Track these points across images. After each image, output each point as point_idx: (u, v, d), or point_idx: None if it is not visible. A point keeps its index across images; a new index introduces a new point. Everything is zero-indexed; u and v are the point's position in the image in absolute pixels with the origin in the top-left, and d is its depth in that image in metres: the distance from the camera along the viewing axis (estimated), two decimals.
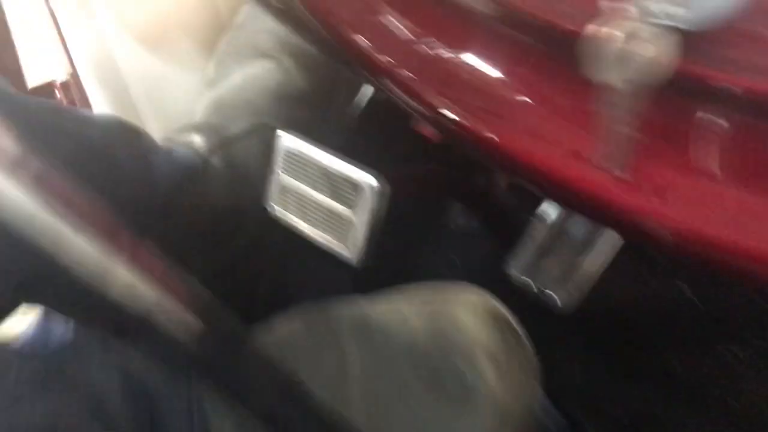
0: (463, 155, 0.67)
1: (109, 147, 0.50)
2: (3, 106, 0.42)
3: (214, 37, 0.73)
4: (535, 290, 0.59)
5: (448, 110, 0.32)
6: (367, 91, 0.68)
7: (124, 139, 0.52)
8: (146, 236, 0.48)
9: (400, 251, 0.56)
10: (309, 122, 0.64)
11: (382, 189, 0.50)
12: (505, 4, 0.28)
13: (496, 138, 0.31)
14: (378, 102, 0.69)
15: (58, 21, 0.68)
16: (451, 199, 0.68)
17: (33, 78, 0.78)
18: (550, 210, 0.56)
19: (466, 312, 0.42)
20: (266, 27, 0.66)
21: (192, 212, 0.57)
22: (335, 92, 0.67)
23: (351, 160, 0.51)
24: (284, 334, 0.44)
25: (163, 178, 0.53)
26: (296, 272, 0.56)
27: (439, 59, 0.32)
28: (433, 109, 0.32)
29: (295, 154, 0.54)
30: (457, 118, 0.31)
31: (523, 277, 0.60)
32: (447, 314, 0.42)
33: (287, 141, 0.54)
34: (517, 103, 0.30)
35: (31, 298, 0.33)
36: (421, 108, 0.33)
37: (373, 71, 0.34)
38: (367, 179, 0.50)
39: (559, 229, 0.56)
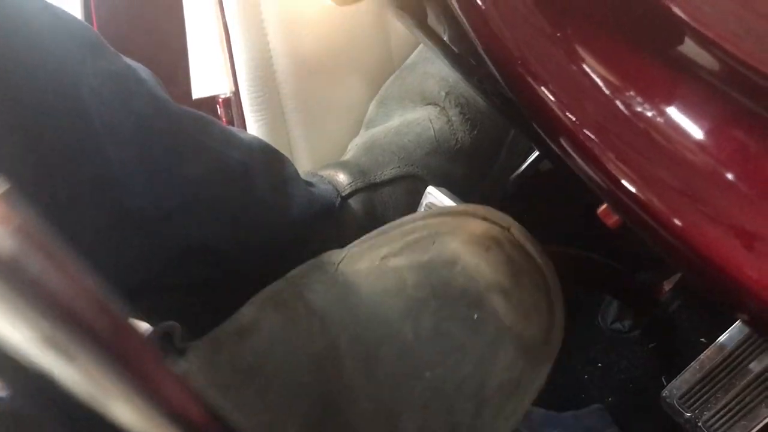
0: (633, 248, 0.61)
1: (247, 170, 0.49)
2: (149, 109, 0.43)
3: (381, 77, 0.72)
4: (689, 424, 0.52)
5: (628, 182, 0.27)
6: (532, 156, 0.64)
7: (266, 164, 0.51)
8: (268, 269, 0.45)
9: None
10: (463, 180, 0.60)
11: None
12: (734, 58, 0.23)
13: (682, 226, 0.25)
14: (542, 170, 0.65)
15: (231, 38, 0.70)
16: (607, 295, 0.62)
17: (198, 90, 0.82)
18: (733, 337, 0.48)
19: (462, 247, 0.40)
20: (436, 72, 0.64)
21: (320, 252, 0.55)
22: (497, 152, 0.63)
23: None
24: (264, 336, 0.40)
25: (298, 212, 0.52)
26: None
27: (632, 120, 0.27)
28: (612, 179, 0.27)
29: None
30: (635, 191, 0.27)
31: (678, 406, 0.52)
32: (441, 260, 0.40)
33: (433, 196, 0.51)
34: (723, 184, 0.24)
35: None
36: (597, 177, 0.29)
37: (552, 129, 0.30)
38: None
39: (739, 363, 0.48)
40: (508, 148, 0.63)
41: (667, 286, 0.62)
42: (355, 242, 0.45)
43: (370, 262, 0.42)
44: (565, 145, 0.29)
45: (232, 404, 0.37)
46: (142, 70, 0.46)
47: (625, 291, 0.62)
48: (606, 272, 0.60)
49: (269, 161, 0.52)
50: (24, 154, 0.36)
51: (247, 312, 0.42)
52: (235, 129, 0.53)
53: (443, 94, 0.62)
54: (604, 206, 0.34)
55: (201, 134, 0.47)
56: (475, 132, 0.61)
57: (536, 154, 0.63)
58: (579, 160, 0.29)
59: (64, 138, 0.38)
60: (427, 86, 0.64)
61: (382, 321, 0.39)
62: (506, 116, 0.57)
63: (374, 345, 0.39)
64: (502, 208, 0.50)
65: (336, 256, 0.44)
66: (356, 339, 0.39)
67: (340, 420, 0.38)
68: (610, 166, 0.28)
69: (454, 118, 0.61)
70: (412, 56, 0.69)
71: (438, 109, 0.62)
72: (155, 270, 0.45)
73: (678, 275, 0.62)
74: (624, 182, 0.27)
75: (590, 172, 0.29)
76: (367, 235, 0.46)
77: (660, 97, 0.26)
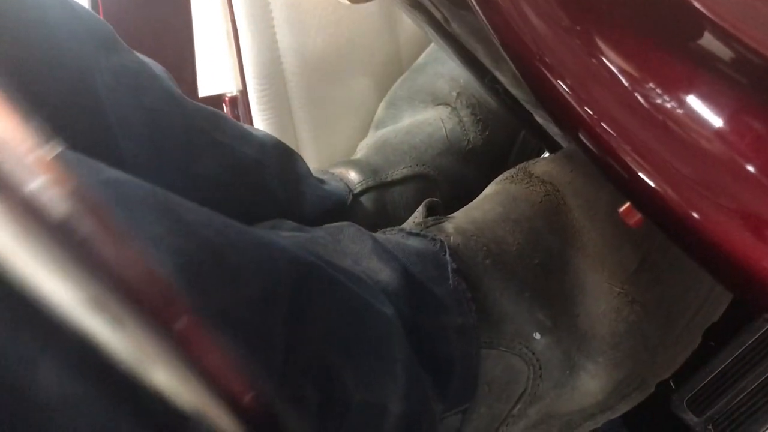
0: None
1: (260, 167, 0.50)
2: (162, 104, 0.43)
3: (390, 78, 0.73)
4: (698, 427, 0.52)
5: (645, 175, 0.27)
6: (542, 156, 0.64)
7: (277, 161, 0.52)
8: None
9: None
10: (474, 180, 0.61)
11: None
12: (752, 50, 0.23)
13: (700, 218, 0.26)
14: None
15: (239, 36, 0.71)
16: None
17: (205, 88, 0.83)
18: (743, 340, 0.49)
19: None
20: (446, 72, 0.65)
21: None
22: (508, 153, 0.64)
23: None
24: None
25: (309, 209, 0.53)
26: None
27: (651, 113, 0.27)
28: (630, 172, 0.28)
29: None
30: (653, 184, 0.27)
31: (688, 408, 0.53)
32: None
33: None
34: (742, 175, 0.25)
35: None
36: (615, 171, 0.29)
37: (569, 123, 0.30)
38: None
39: (749, 365, 0.49)
40: (519, 149, 0.64)
41: None
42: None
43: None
44: (583, 139, 0.30)
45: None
46: (155, 66, 0.47)
47: None
48: None
49: (281, 158, 0.52)
50: None
51: (487, 190, 0.51)
52: (247, 126, 0.53)
53: (454, 94, 0.63)
54: (625, 206, 0.34)
55: (214, 130, 0.48)
56: (487, 133, 0.62)
57: (547, 155, 0.64)
58: (597, 154, 0.30)
59: (78, 133, 0.39)
60: (437, 87, 0.65)
61: (599, 178, 0.45)
62: (517, 117, 0.58)
63: (593, 192, 0.45)
64: None
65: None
66: (576, 191, 0.46)
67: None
68: (628, 159, 0.28)
69: (465, 119, 0.62)
70: (422, 57, 0.70)
71: (449, 109, 0.63)
72: None
73: None
74: (642, 175, 0.28)
75: (609, 166, 0.30)
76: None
77: (679, 89, 0.26)
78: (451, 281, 0.42)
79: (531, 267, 0.43)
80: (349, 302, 0.35)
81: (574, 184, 0.46)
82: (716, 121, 0.25)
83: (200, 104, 0.49)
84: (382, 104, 0.70)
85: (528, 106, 0.50)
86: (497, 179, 0.51)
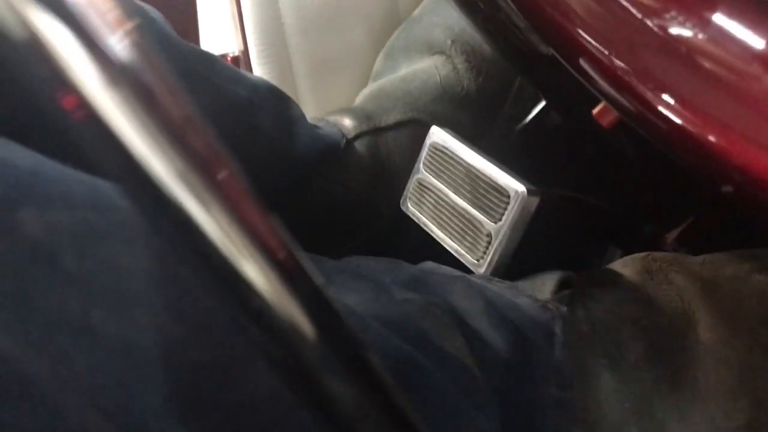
0: (638, 200, 0.63)
1: (253, 107, 0.51)
2: (156, 45, 0.45)
3: (388, 31, 0.74)
4: None
5: (667, 109, 0.27)
6: (537, 106, 0.65)
7: (271, 103, 0.53)
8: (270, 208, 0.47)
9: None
10: (467, 127, 0.62)
11: (530, 200, 0.47)
12: None
13: (725, 145, 0.26)
14: (547, 121, 0.66)
15: None
16: (611, 245, 0.64)
17: (207, 48, 0.84)
18: None
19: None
20: (442, 21, 0.66)
21: (323, 195, 0.57)
22: (502, 101, 0.65)
23: (502, 166, 0.49)
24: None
25: (302, 151, 0.54)
26: None
27: (670, 42, 0.26)
28: (650, 108, 0.28)
29: (442, 150, 0.52)
30: (676, 119, 0.27)
31: None
32: None
33: (436, 135, 0.53)
34: None
35: None
36: (633, 108, 0.29)
37: (577, 61, 0.30)
38: (515, 185, 0.47)
39: None
40: (514, 96, 0.65)
41: (671, 236, 0.64)
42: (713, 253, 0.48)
43: (735, 271, 0.44)
44: (595, 78, 0.30)
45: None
46: (151, 10, 0.49)
47: (628, 240, 0.63)
48: (609, 219, 0.62)
49: (275, 100, 0.54)
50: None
51: (623, 271, 0.47)
52: (242, 70, 0.55)
53: (449, 42, 0.64)
54: (600, 106, 0.34)
55: (208, 71, 0.49)
56: (481, 79, 0.63)
57: (543, 104, 0.65)
58: (610, 89, 0.30)
59: None
60: (433, 36, 0.66)
61: (739, 319, 0.42)
62: (511, 61, 0.59)
63: (729, 335, 0.41)
64: (507, 159, 0.51)
65: (696, 258, 0.47)
66: (712, 327, 0.42)
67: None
68: (649, 96, 0.28)
69: (459, 66, 0.63)
70: (418, 9, 0.71)
71: (444, 57, 0.64)
72: None
73: (682, 227, 0.64)
74: (661, 109, 0.28)
75: (622, 102, 0.30)
76: (729, 251, 0.48)
77: (701, 15, 0.26)
78: (557, 353, 0.41)
79: (641, 380, 0.42)
80: (443, 408, 0.34)
81: (716, 316, 0.43)
82: (743, 49, 0.25)
83: (195, 46, 0.50)
84: (380, 56, 0.71)
85: (521, 45, 0.50)
86: (632, 259, 0.49)
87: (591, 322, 0.43)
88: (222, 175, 0.18)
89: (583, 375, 0.41)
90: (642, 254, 0.49)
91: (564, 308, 0.43)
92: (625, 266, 0.48)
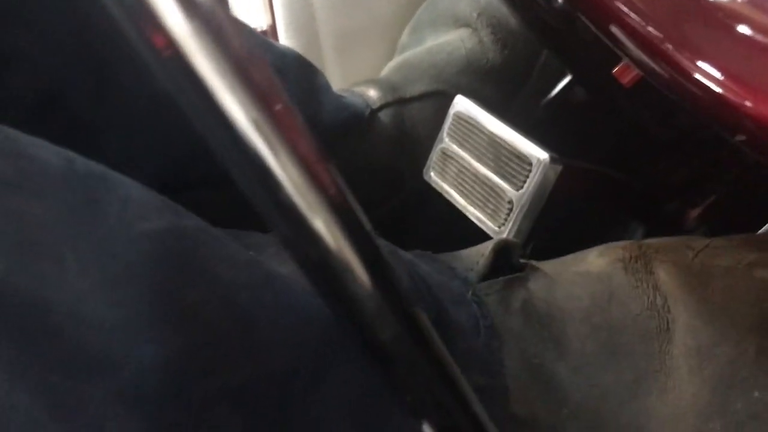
0: (661, 177, 0.63)
1: (280, 74, 0.52)
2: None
3: (415, 4, 0.75)
4: None
5: (699, 74, 0.27)
6: (563, 80, 0.66)
7: (297, 71, 0.55)
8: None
9: (554, 249, 0.53)
10: (492, 100, 0.63)
11: (552, 168, 0.47)
12: None
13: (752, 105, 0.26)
14: (572, 96, 0.66)
15: None
16: (632, 220, 0.64)
17: None
18: None
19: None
20: None
21: (348, 165, 0.58)
22: (528, 75, 0.65)
23: (525, 134, 0.50)
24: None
25: (327, 119, 0.55)
26: (441, 246, 0.55)
27: (704, 8, 0.27)
28: (682, 72, 0.28)
29: (465, 119, 0.53)
30: (707, 83, 0.27)
31: None
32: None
33: (461, 104, 0.54)
34: None
35: None
36: (666, 74, 0.29)
37: (610, 29, 0.30)
38: (537, 153, 0.48)
39: None
40: (539, 71, 0.65)
41: (693, 214, 0.64)
42: (722, 237, 0.43)
43: (733, 263, 0.39)
44: (629, 46, 0.30)
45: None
46: None
47: (651, 216, 0.64)
48: (632, 195, 0.62)
49: (301, 69, 0.55)
50: None
51: (595, 261, 0.42)
52: (269, 39, 0.56)
53: (475, 14, 0.64)
54: (621, 65, 0.34)
55: None
56: (506, 51, 0.63)
57: (568, 79, 0.65)
58: (645, 59, 0.30)
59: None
60: (459, 8, 0.66)
61: (726, 325, 0.37)
62: (536, 34, 0.60)
63: (710, 343, 0.37)
64: (531, 132, 0.52)
65: (697, 243, 0.42)
66: (692, 330, 0.37)
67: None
68: (685, 65, 0.28)
69: (485, 38, 0.63)
70: None
71: (470, 30, 0.64)
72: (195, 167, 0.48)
73: (704, 205, 0.64)
74: (694, 75, 0.27)
75: (656, 70, 0.30)
76: (739, 235, 0.43)
77: None
78: (482, 340, 0.38)
79: (587, 382, 0.38)
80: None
81: (699, 318, 0.38)
82: None
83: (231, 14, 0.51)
84: (407, 30, 0.72)
85: (547, 15, 0.50)
86: (613, 246, 0.44)
87: (526, 313, 0.39)
88: (278, 107, 0.21)
89: (515, 368, 0.38)
90: (625, 242, 0.44)
91: (495, 296, 0.40)
92: (600, 255, 0.43)
